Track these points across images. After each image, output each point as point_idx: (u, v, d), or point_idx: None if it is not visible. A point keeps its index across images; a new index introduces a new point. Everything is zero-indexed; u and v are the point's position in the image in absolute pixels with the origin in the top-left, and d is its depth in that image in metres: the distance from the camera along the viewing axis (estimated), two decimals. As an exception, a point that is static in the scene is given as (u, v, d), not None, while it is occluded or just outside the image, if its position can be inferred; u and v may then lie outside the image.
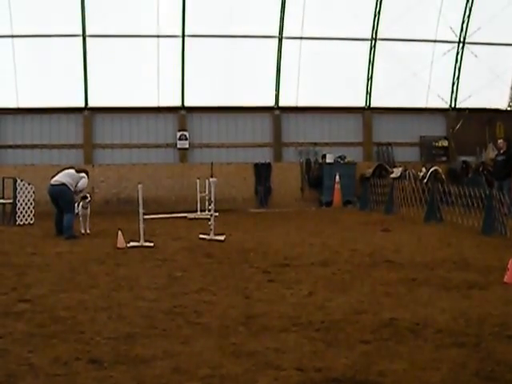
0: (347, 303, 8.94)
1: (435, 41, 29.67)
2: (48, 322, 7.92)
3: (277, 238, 16.77)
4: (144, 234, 15.22)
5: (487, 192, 17.73)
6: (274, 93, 29.07)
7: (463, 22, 29.58)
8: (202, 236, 16.39)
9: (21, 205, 20.33)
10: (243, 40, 28.42)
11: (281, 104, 29.26)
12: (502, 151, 22.59)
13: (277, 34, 28.50)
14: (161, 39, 28.03)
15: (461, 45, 29.97)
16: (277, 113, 29.17)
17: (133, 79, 27.81)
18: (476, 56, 29.75)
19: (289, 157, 29.25)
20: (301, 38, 28.70)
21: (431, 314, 8.24)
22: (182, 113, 28.59)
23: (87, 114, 28.06)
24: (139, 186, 15.54)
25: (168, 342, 7.12)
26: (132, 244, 14.98)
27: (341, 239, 16.11)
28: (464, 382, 5.85)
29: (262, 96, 28.91)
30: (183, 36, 27.94)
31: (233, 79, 28.34)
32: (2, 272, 11.59)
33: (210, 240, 16.03)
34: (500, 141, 22.99)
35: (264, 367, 6.27)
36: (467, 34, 29.76)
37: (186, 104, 28.61)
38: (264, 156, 28.88)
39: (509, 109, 31.50)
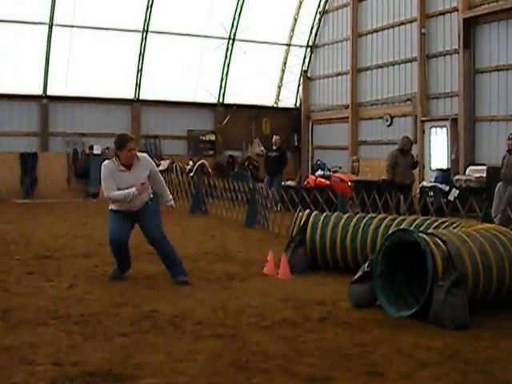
0: (108, 296, 8.85)
1: (206, 36, 29.99)
2: None
3: (41, 229, 16.36)
4: None
5: (251, 186, 18.17)
6: (42, 81, 28.17)
7: (234, 19, 30.13)
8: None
9: None
10: None
11: (49, 93, 28.39)
12: (275, 147, 23.12)
13: (47, 21, 27.57)
14: None
15: (231, 41, 30.53)
16: (44, 101, 28.31)
17: None
18: (245, 53, 30.41)
19: (56, 147, 28.50)
20: (72, 26, 27.98)
21: (191, 305, 8.33)
22: None
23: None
24: None
25: None
26: None
27: (105, 231, 15.79)
28: (220, 372, 5.95)
29: (29, 84, 27.91)
30: None
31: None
32: None
33: (-32, 231, 15.37)
34: (276, 137, 23.33)
35: (19, 362, 6.09)
36: (237, 31, 30.35)
37: None
38: (30, 145, 27.96)
39: (275, 105, 32.50)
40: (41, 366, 6.02)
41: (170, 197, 10.50)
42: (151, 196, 10.08)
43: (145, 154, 10.25)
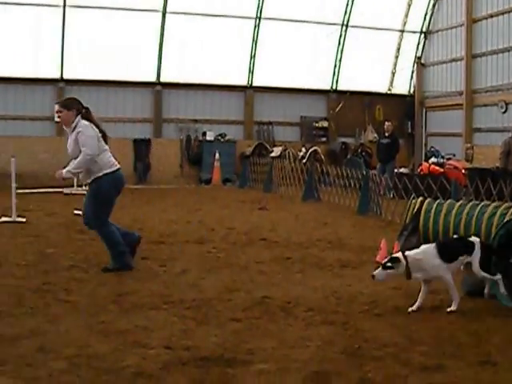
0: (220, 281, 8.92)
1: (319, 22, 29.86)
2: None
3: (153, 214, 16.61)
4: (16, 209, 14.76)
5: (364, 173, 18.04)
6: (156, 68, 28.68)
7: (347, 5, 29.89)
8: (76, 212, 15.95)
9: None
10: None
11: (162, 80, 28.85)
12: (387, 134, 22.90)
13: (161, 9, 28.02)
14: None
15: (344, 27, 30.30)
16: (158, 88, 28.79)
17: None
18: (358, 39, 30.15)
19: (169, 133, 28.95)
20: (185, 13, 28.34)
21: (303, 292, 8.33)
22: (61, 85, 27.79)
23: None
24: (12, 159, 15.11)
25: (35, 320, 6.93)
26: (3, 219, 14.51)
27: (218, 217, 16.06)
28: (331, 358, 5.92)
29: (144, 71, 28.44)
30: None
31: (113, 53, 27.68)
32: None
33: (86, 216, 15.68)
34: (388, 123, 23.08)
35: (132, 346, 6.19)
36: (350, 17, 30.12)
37: (65, 76, 27.82)
38: (144, 132, 28.48)
39: (388, 92, 32.12)
40: (153, 349, 6.09)
41: (70, 168, 9.49)
42: (96, 175, 9.44)
43: (83, 121, 9.45)
